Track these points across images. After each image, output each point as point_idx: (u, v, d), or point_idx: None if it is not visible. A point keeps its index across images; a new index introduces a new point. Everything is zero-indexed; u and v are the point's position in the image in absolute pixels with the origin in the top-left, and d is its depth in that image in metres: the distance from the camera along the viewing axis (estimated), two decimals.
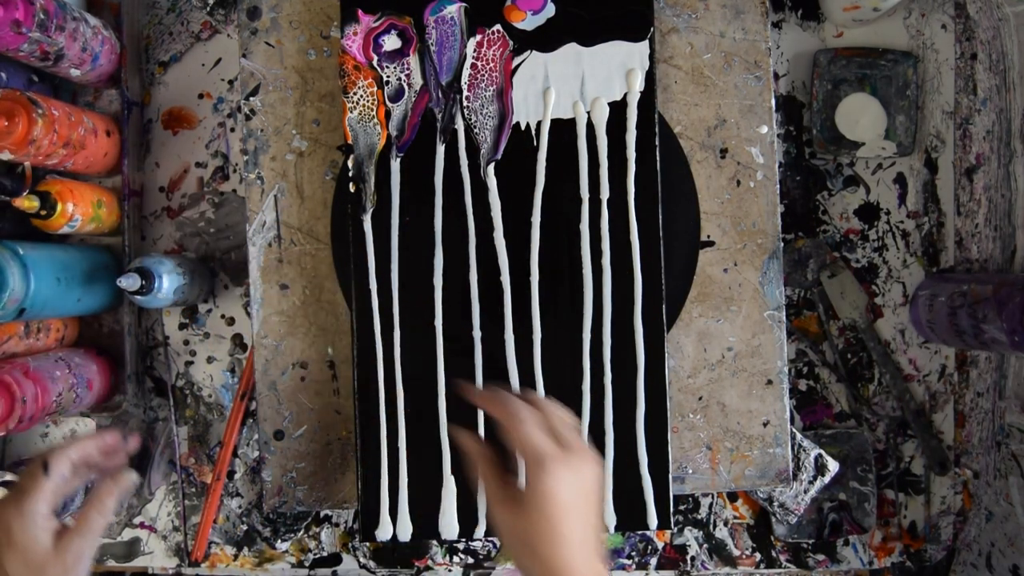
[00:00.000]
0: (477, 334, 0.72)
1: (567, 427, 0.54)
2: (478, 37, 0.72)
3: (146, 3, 0.82)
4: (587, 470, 0.52)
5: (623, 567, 0.80)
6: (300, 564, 0.82)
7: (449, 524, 0.72)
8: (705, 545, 0.80)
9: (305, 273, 0.76)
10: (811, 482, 0.76)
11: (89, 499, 0.51)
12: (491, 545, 0.81)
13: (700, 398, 0.75)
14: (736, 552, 0.80)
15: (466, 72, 0.72)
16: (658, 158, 0.72)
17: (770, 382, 0.74)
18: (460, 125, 0.72)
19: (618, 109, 0.72)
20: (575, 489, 0.51)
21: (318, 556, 0.82)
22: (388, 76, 0.72)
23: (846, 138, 0.78)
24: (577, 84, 0.72)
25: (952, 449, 0.79)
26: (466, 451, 0.58)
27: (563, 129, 0.72)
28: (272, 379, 0.76)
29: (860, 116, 0.77)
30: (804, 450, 0.76)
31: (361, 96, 0.72)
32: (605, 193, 0.72)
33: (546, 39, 0.72)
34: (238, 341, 0.82)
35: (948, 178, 0.79)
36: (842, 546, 0.80)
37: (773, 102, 0.74)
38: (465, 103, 0.72)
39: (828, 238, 0.80)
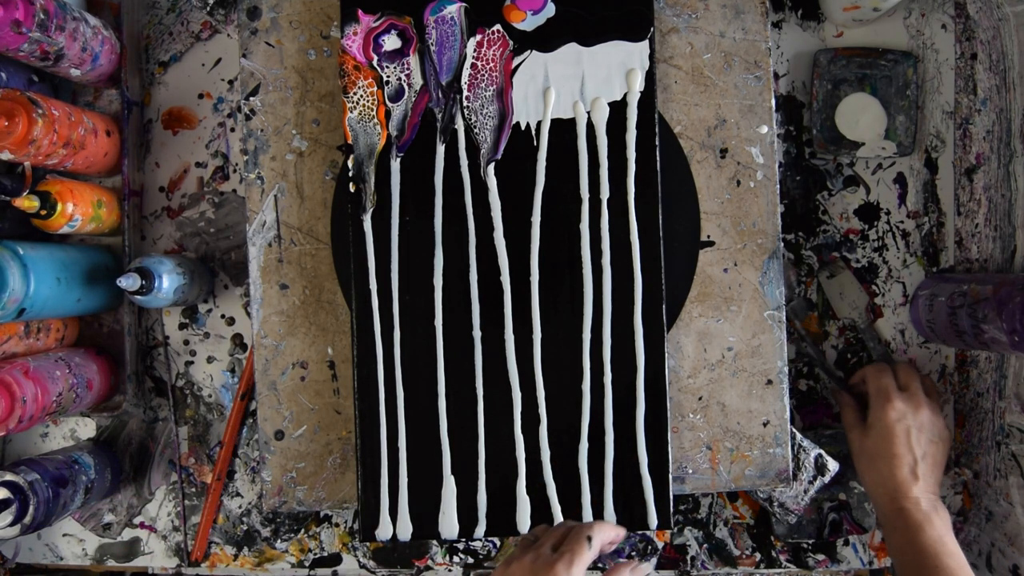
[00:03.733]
0: (477, 334, 0.72)
1: (915, 380, 0.74)
2: (478, 37, 0.72)
3: (146, 3, 0.82)
4: (923, 412, 0.71)
5: None
6: (300, 564, 0.82)
7: (449, 524, 0.72)
8: (705, 545, 0.80)
9: (305, 273, 0.76)
10: (811, 482, 0.76)
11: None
12: (491, 545, 0.81)
13: (700, 398, 0.75)
14: (736, 552, 0.80)
15: (466, 72, 0.72)
16: (658, 158, 0.72)
17: (770, 382, 0.74)
18: (460, 125, 0.72)
19: (618, 109, 0.72)
20: (910, 421, 0.70)
21: (318, 556, 0.82)
22: (388, 76, 0.72)
23: (846, 138, 0.78)
24: (577, 84, 0.72)
25: (952, 449, 0.79)
26: (837, 398, 0.78)
27: (563, 129, 0.72)
28: (272, 379, 0.76)
29: (860, 116, 0.77)
30: (804, 450, 0.76)
31: (361, 96, 0.72)
32: (605, 193, 0.72)
33: (546, 39, 0.72)
34: (238, 341, 0.82)
35: (948, 178, 0.79)
36: (842, 546, 0.80)
37: (773, 102, 0.75)
38: (465, 103, 0.72)
39: (828, 238, 0.80)
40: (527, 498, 0.72)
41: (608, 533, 0.57)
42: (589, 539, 0.55)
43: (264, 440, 0.75)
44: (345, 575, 0.82)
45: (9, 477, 0.70)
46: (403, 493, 0.72)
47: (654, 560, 0.63)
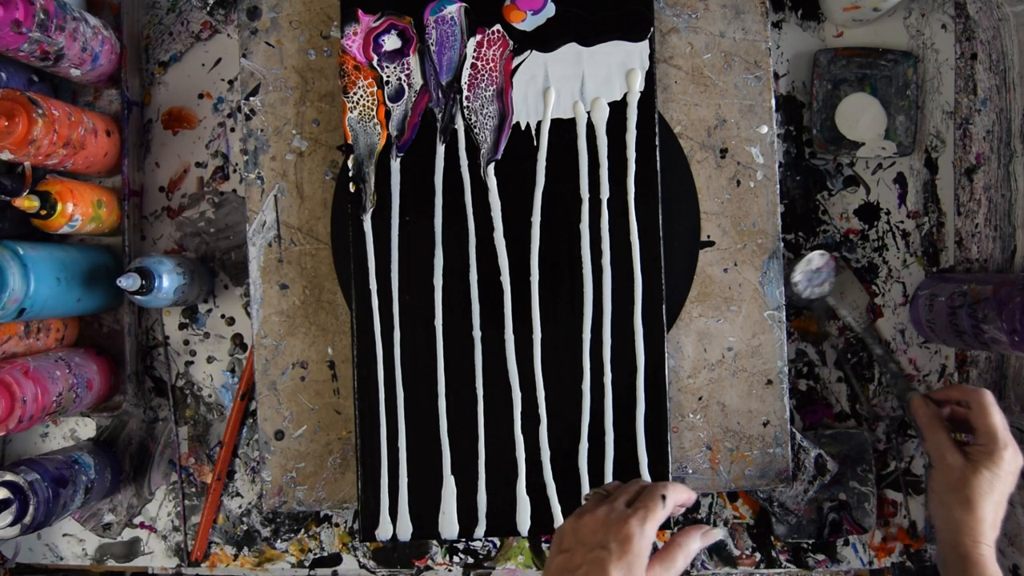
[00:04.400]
0: (477, 334, 0.72)
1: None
2: (478, 37, 0.72)
3: (146, 3, 0.82)
4: (1019, 466, 0.65)
5: None
6: (300, 564, 0.82)
7: (449, 524, 0.72)
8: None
9: (305, 273, 0.76)
10: (811, 482, 0.76)
11: (677, 540, 0.55)
12: (491, 545, 0.81)
13: (700, 398, 0.75)
14: (736, 552, 0.80)
15: (466, 72, 0.72)
16: (658, 158, 0.72)
17: (770, 382, 0.74)
18: (460, 125, 0.72)
19: (618, 109, 0.72)
20: (1011, 472, 0.64)
21: (318, 556, 0.82)
22: (388, 76, 0.72)
23: (846, 138, 0.78)
24: (577, 84, 0.72)
25: None
26: (920, 410, 0.69)
27: (563, 129, 0.72)
28: (272, 379, 0.76)
29: (860, 116, 0.77)
30: (804, 450, 0.76)
31: (361, 96, 0.72)
32: (605, 193, 0.72)
33: (546, 39, 0.72)
34: (238, 341, 0.82)
35: (948, 178, 0.79)
36: (842, 546, 0.80)
37: (773, 102, 0.74)
38: (465, 103, 0.72)
39: (828, 238, 0.80)
40: (527, 498, 0.72)
41: (681, 495, 0.56)
42: (663, 498, 0.55)
43: (264, 440, 0.75)
44: (345, 575, 0.82)
45: (9, 477, 0.70)
46: (403, 493, 0.72)
47: (724, 530, 0.61)
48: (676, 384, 0.74)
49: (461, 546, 0.81)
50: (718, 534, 0.58)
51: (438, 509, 0.72)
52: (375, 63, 0.72)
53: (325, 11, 0.76)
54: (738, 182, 0.75)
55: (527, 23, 0.72)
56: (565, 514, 0.72)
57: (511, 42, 0.72)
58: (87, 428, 0.83)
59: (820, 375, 0.80)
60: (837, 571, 0.81)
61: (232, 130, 0.82)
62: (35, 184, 0.71)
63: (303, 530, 0.82)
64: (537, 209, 0.72)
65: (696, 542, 0.55)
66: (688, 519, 0.80)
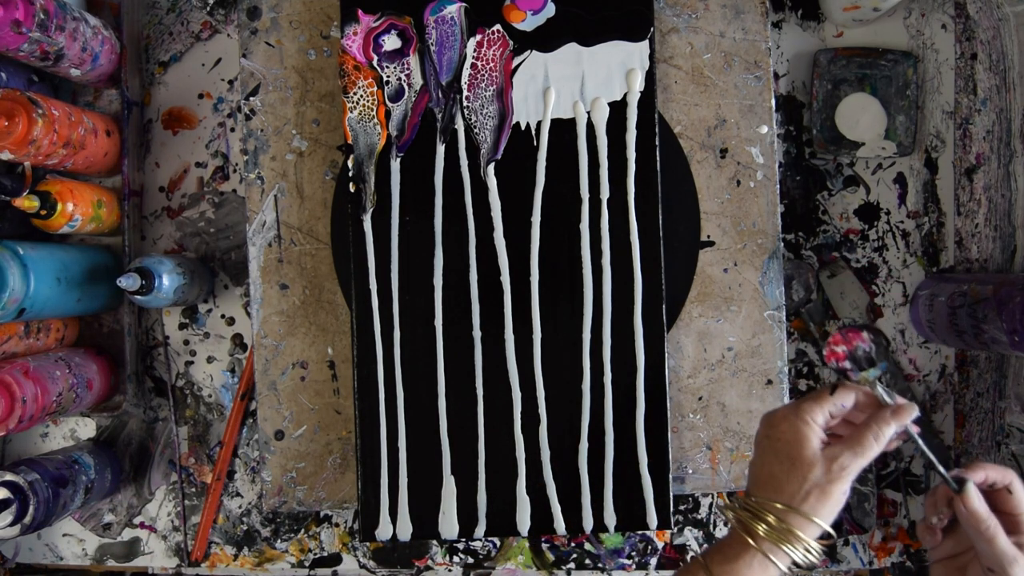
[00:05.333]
0: (477, 334, 0.72)
1: None
2: (478, 37, 0.72)
3: (146, 3, 0.82)
4: None
5: (623, 567, 0.80)
6: (300, 564, 0.82)
7: (449, 524, 0.72)
8: (705, 545, 0.80)
9: (305, 273, 0.76)
10: None
11: (868, 422, 0.51)
12: (491, 545, 0.81)
13: (700, 398, 0.75)
14: None
15: (466, 72, 0.72)
16: (658, 158, 0.72)
17: (770, 382, 0.74)
18: (460, 125, 0.72)
19: (618, 109, 0.72)
20: None
21: (318, 556, 0.82)
22: (388, 76, 0.72)
23: (846, 138, 0.78)
24: (577, 84, 0.72)
25: (952, 449, 0.79)
26: (977, 511, 0.53)
27: (563, 129, 0.72)
28: (272, 379, 0.76)
29: (860, 116, 0.77)
30: None
31: (361, 96, 0.72)
32: (605, 193, 0.72)
33: (546, 39, 0.72)
34: (238, 341, 0.82)
35: (948, 178, 0.79)
36: (842, 546, 0.80)
37: (773, 102, 0.74)
38: (465, 103, 0.72)
39: (828, 238, 0.80)
40: (527, 498, 0.72)
41: (849, 395, 0.53)
42: (833, 387, 0.53)
43: (264, 440, 0.75)
44: (345, 575, 0.82)
45: (9, 477, 0.70)
46: (403, 493, 0.72)
47: (915, 405, 0.54)
48: (676, 384, 0.74)
49: (461, 546, 0.81)
50: (911, 411, 0.52)
51: (438, 509, 0.72)
52: (375, 63, 0.72)
53: (325, 11, 0.76)
54: (738, 182, 0.75)
55: (527, 23, 0.72)
56: (565, 514, 0.72)
57: (511, 42, 0.72)
58: (87, 428, 0.83)
59: (820, 375, 0.80)
60: (837, 571, 0.81)
61: (232, 130, 0.82)
62: (35, 184, 0.71)
63: (303, 530, 0.82)
64: (537, 209, 0.72)
65: (888, 423, 0.51)
66: (687, 519, 0.80)
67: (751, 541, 0.50)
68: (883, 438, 0.51)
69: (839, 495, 0.51)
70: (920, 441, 0.53)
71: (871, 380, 0.54)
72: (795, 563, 0.50)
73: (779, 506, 0.51)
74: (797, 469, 0.51)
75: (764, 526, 0.50)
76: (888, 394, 0.53)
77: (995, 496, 0.52)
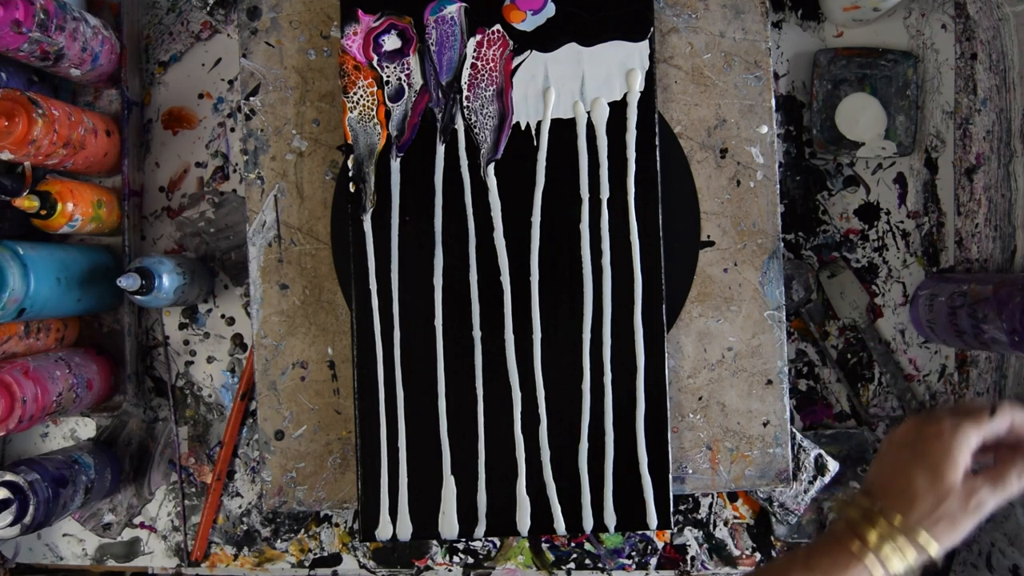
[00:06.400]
0: (477, 334, 0.72)
1: None
2: (478, 37, 0.72)
3: (146, 3, 0.82)
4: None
5: (623, 567, 0.80)
6: (300, 564, 0.82)
7: (449, 524, 0.72)
8: (705, 545, 0.80)
9: (305, 273, 0.76)
10: (811, 482, 0.76)
11: (1014, 459, 0.49)
12: (491, 545, 0.81)
13: (700, 398, 0.75)
14: (736, 552, 0.80)
15: (466, 72, 0.72)
16: (658, 158, 0.72)
17: (770, 382, 0.74)
18: (460, 125, 0.72)
19: (618, 109, 0.72)
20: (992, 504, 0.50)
21: (318, 556, 0.82)
22: (388, 76, 0.72)
23: (846, 138, 0.78)
24: (577, 84, 0.72)
25: None
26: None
27: (563, 129, 0.72)
28: (272, 379, 0.76)
29: (860, 116, 0.77)
30: (804, 450, 0.76)
31: (361, 96, 0.72)
32: (605, 193, 0.72)
33: (546, 39, 0.72)
34: (238, 341, 0.82)
35: (948, 178, 0.79)
36: None
37: (773, 102, 0.74)
38: (465, 103, 0.72)
39: (828, 238, 0.80)
40: (527, 498, 0.72)
41: (1018, 415, 0.49)
42: (992, 410, 0.49)
43: (264, 440, 0.75)
44: (345, 575, 0.82)
45: (9, 477, 0.70)
46: (403, 493, 0.72)
47: None
48: (676, 384, 0.74)
49: (461, 546, 0.81)
50: None
51: (438, 509, 0.72)
52: (375, 63, 0.72)
53: (325, 11, 0.76)
54: (738, 182, 0.75)
55: (527, 23, 0.72)
56: (565, 514, 0.72)
57: (511, 42, 0.72)
58: (87, 428, 0.83)
59: (820, 375, 0.80)
60: None
61: (232, 130, 0.82)
62: (35, 184, 0.71)
63: (303, 530, 0.82)
64: (537, 209, 0.72)
65: None
66: (687, 519, 0.80)
67: (857, 547, 0.48)
68: None
69: (966, 530, 0.48)
70: None
71: None
72: None
73: (903, 522, 0.48)
74: (935, 491, 0.48)
75: (877, 534, 0.48)
76: None
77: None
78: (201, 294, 0.80)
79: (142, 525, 0.83)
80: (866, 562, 0.48)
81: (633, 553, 0.80)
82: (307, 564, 0.82)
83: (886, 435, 0.51)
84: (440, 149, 0.72)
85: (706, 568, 0.80)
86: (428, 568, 0.81)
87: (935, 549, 0.48)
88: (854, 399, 0.80)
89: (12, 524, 0.69)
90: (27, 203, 0.69)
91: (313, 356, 0.76)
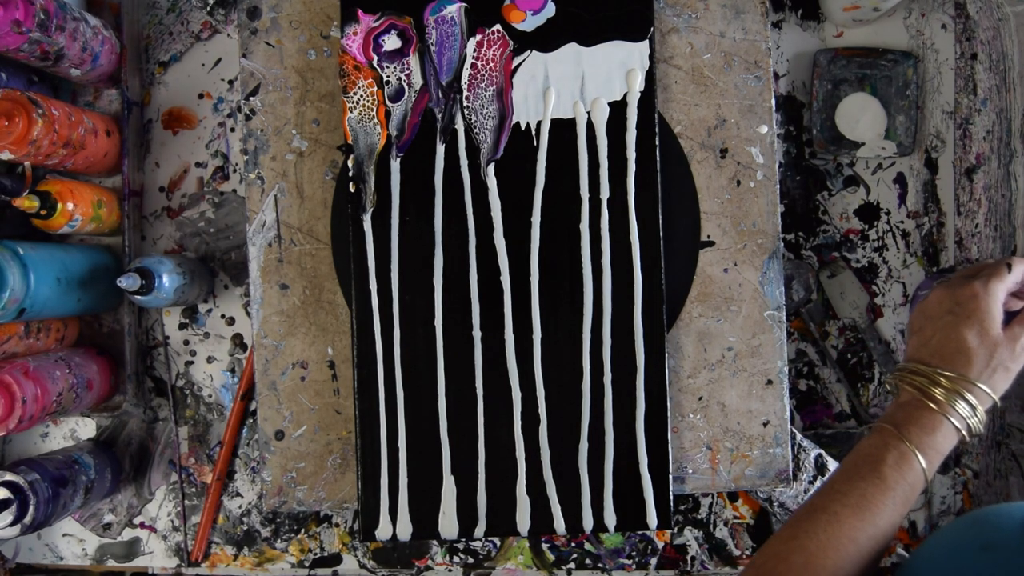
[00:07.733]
0: (477, 334, 0.72)
1: None
2: (478, 37, 0.72)
3: (146, 3, 0.82)
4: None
5: (623, 567, 0.80)
6: (300, 564, 0.82)
7: (449, 524, 0.72)
8: (705, 545, 0.80)
9: (305, 273, 0.76)
10: (811, 482, 0.76)
11: None
12: (491, 545, 0.81)
13: (700, 398, 0.75)
14: (736, 552, 0.80)
15: (466, 72, 0.72)
16: (658, 158, 0.72)
17: (770, 382, 0.74)
18: (460, 125, 0.72)
19: (618, 109, 0.72)
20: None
21: (318, 556, 0.82)
22: (388, 76, 0.72)
23: (846, 138, 0.78)
24: (577, 84, 0.72)
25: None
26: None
27: (563, 129, 0.72)
28: (272, 379, 0.76)
29: (860, 116, 0.77)
30: (804, 450, 0.76)
31: (361, 96, 0.72)
32: (605, 193, 0.72)
33: (546, 39, 0.72)
34: (238, 341, 0.82)
35: (948, 178, 0.79)
36: None
37: (773, 102, 0.75)
38: (465, 103, 0.72)
39: (828, 238, 0.80)
40: (527, 498, 0.72)
41: None
42: (1009, 266, 0.55)
43: (264, 440, 0.75)
44: (345, 575, 0.82)
45: (9, 477, 0.70)
46: (403, 493, 0.72)
47: None
48: (676, 384, 0.75)
49: (461, 546, 0.81)
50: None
51: (438, 509, 0.72)
52: (375, 63, 0.72)
53: (325, 11, 0.76)
54: (738, 182, 0.75)
55: (527, 23, 0.72)
56: (565, 514, 0.72)
57: (511, 42, 0.72)
58: (87, 428, 0.83)
59: (820, 375, 0.80)
60: None
61: (232, 130, 0.82)
62: (35, 184, 0.71)
63: (303, 530, 0.82)
64: (537, 209, 0.72)
65: None
66: (688, 519, 0.80)
67: (935, 408, 0.53)
68: None
69: (1015, 374, 0.54)
70: None
71: None
72: (969, 432, 0.54)
73: (966, 378, 0.53)
74: (986, 345, 0.54)
75: (945, 394, 0.53)
76: None
77: None
78: (201, 294, 0.80)
79: (142, 525, 0.83)
80: (951, 418, 0.53)
81: (633, 553, 0.80)
82: (307, 564, 0.82)
83: (914, 312, 0.58)
84: (440, 149, 0.72)
85: (706, 568, 0.80)
86: (428, 568, 0.81)
87: (997, 396, 0.54)
88: (854, 399, 0.80)
89: (12, 524, 0.69)
90: (27, 203, 0.69)
91: (313, 356, 0.76)
